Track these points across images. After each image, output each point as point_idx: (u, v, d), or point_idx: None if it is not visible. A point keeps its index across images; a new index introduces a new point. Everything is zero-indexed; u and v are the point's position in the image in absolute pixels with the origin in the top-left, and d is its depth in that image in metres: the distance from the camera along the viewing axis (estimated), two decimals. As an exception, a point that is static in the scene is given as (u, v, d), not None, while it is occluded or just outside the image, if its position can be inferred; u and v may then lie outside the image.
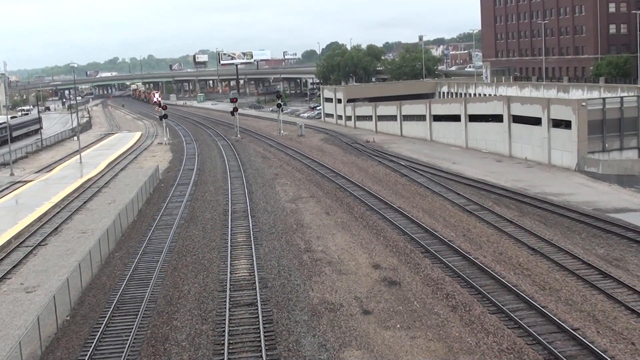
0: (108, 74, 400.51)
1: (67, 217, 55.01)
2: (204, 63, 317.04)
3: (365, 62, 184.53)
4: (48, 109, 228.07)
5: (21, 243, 47.54)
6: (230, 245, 43.18)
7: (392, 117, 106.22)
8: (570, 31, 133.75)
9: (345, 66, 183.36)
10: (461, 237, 42.90)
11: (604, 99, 70.32)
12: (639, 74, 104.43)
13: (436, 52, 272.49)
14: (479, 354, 26.51)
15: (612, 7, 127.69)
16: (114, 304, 33.47)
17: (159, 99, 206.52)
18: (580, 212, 47.83)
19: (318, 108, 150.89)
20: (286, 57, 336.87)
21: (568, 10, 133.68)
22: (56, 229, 51.29)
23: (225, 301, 33.03)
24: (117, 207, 56.57)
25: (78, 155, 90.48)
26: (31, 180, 76.05)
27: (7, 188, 72.12)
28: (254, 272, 37.40)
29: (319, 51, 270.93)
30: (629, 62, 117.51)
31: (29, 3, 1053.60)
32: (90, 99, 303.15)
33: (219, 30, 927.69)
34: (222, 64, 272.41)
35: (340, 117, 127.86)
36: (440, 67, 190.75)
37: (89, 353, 27.96)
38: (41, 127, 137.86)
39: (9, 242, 47.67)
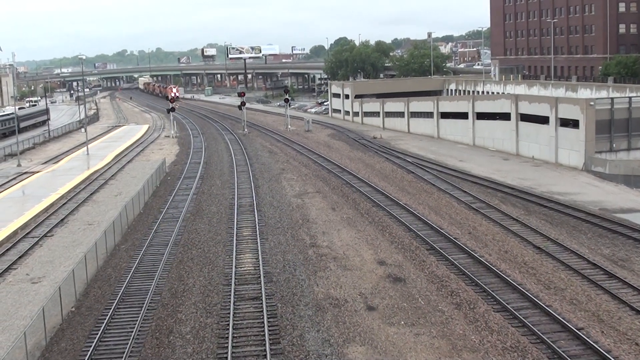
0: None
1: (74, 209, 55.16)
2: (212, 57, 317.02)
3: (373, 58, 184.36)
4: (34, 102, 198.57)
5: (27, 234, 47.69)
6: (236, 239, 43.23)
7: (400, 114, 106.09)
8: (580, 30, 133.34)
9: (353, 62, 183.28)
10: (467, 234, 42.86)
11: (612, 98, 70.01)
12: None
13: (445, 49, 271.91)
14: (482, 351, 26.51)
15: (622, 7, 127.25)
16: (119, 295, 33.57)
17: (177, 94, 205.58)
18: (587, 212, 47.72)
19: (325, 104, 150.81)
20: (294, 52, 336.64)
21: (577, 9, 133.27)
22: (62, 220, 51.45)
23: (230, 295, 33.11)
24: (123, 199, 56.68)
25: (85, 147, 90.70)
26: (38, 171, 76.25)
27: (14, 179, 72.35)
28: (259, 266, 37.45)
29: (327, 47, 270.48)
30: (638, 62, 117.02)
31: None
32: (98, 91, 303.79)
33: (228, 24, 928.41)
34: (230, 58, 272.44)
35: (347, 113, 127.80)
36: (448, 65, 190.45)
37: (93, 344, 28.06)
38: (49, 119, 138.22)
39: (15, 232, 47.83)
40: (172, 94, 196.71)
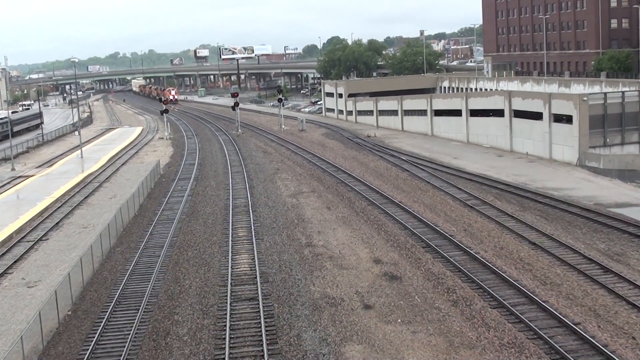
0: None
1: (69, 212, 55.05)
2: (204, 58, 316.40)
3: (366, 57, 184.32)
4: (27, 106, 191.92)
5: (22, 238, 47.58)
6: (232, 240, 43.20)
7: (393, 112, 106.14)
8: (572, 26, 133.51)
9: (346, 61, 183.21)
10: (462, 231, 42.90)
11: (605, 93, 70.19)
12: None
13: (437, 46, 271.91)
14: (479, 348, 26.54)
15: (613, 2, 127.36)
16: (115, 298, 33.51)
17: (175, 96, 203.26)
18: (582, 207, 47.80)
19: (319, 103, 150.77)
20: (287, 52, 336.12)
21: (569, 5, 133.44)
22: (57, 223, 51.34)
23: (227, 296, 33.08)
24: (118, 201, 56.59)
25: (79, 150, 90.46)
26: (32, 175, 76.09)
27: (8, 183, 72.20)
28: (255, 266, 37.43)
29: (320, 46, 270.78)
30: (630, 57, 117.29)
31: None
32: (91, 94, 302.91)
33: (220, 25, 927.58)
34: (223, 59, 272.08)
35: (341, 112, 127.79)
36: (441, 62, 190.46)
37: (90, 347, 28.01)
38: (42, 122, 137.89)
39: (10, 237, 47.72)
40: (171, 97, 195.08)
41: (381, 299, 32.12)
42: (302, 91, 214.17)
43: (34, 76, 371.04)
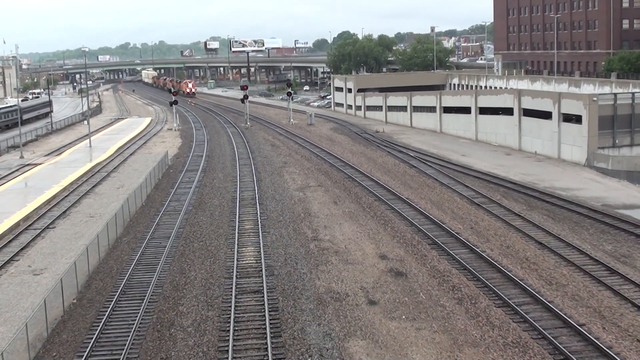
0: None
1: (76, 201, 55.18)
2: (215, 50, 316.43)
3: (376, 52, 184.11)
4: (37, 95, 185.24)
5: (29, 225, 47.73)
6: (238, 233, 43.23)
7: (402, 108, 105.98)
8: (583, 25, 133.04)
9: (356, 56, 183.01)
10: (469, 229, 42.83)
11: (615, 94, 69.87)
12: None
13: (448, 43, 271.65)
14: (483, 347, 26.51)
15: (625, 2, 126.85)
16: (120, 288, 33.59)
17: (193, 89, 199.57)
18: (589, 208, 47.66)
19: (328, 97, 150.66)
20: (297, 45, 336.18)
21: (581, 5, 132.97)
22: (65, 212, 51.47)
23: (232, 288, 33.13)
24: (125, 191, 56.70)
25: (88, 140, 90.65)
26: (41, 164, 76.28)
27: (16, 170, 72.41)
28: (260, 259, 37.46)
29: (330, 40, 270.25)
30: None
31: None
32: (101, 84, 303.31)
33: (231, 18, 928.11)
34: (233, 51, 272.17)
35: (350, 106, 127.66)
36: (451, 59, 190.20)
37: (94, 336, 28.08)
38: (51, 111, 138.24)
39: (17, 224, 47.86)
40: (188, 90, 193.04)
41: (386, 295, 32.11)
42: (304, 87, 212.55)
43: (24, 66, 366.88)
